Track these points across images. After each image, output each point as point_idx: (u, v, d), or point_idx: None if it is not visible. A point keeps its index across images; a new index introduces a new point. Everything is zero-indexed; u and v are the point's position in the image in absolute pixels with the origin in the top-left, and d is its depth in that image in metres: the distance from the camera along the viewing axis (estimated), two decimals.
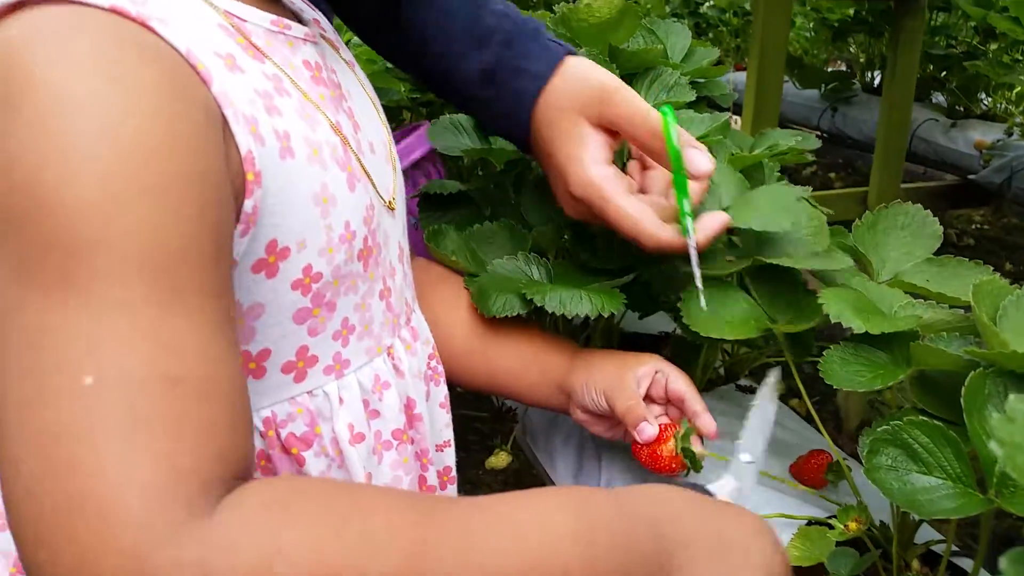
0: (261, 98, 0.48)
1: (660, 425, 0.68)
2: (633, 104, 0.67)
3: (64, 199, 0.37)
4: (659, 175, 0.73)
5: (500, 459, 1.23)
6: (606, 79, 0.70)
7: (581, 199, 0.69)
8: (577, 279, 0.76)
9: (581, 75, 0.71)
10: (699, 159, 0.66)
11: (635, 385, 0.70)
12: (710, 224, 0.67)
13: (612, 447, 0.79)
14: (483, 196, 0.91)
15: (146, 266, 0.38)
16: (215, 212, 0.41)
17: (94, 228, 0.37)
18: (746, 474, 0.62)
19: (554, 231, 0.81)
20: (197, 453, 0.36)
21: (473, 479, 1.41)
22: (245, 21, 0.50)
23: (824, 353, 0.64)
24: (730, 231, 0.74)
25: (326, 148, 0.52)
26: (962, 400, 0.54)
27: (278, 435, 0.54)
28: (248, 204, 0.45)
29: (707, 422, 0.69)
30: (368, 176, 0.57)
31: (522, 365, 0.75)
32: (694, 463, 0.68)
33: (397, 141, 1.01)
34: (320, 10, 0.67)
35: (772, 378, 0.65)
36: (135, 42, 0.41)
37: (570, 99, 0.69)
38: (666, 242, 0.66)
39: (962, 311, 0.66)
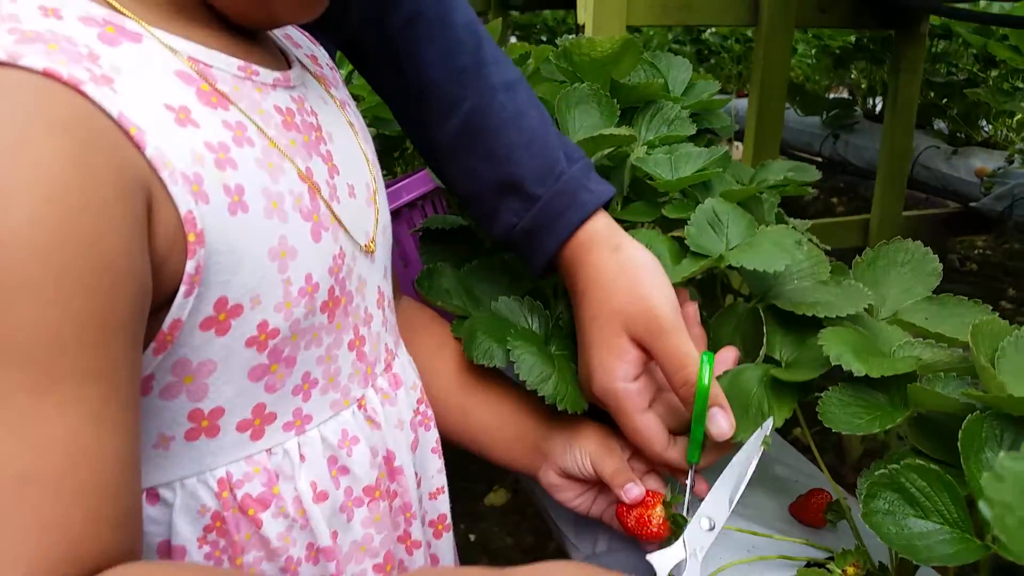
0: (213, 152, 0.47)
1: (646, 491, 0.68)
2: (677, 351, 0.66)
3: None
4: None
5: (499, 496, 1.23)
6: (662, 309, 0.67)
7: (601, 400, 0.69)
8: (570, 344, 0.74)
9: (632, 274, 0.69)
10: (721, 423, 0.65)
11: (620, 450, 0.70)
12: (715, 451, 0.68)
13: None
14: (483, 231, 0.91)
15: (22, 358, 0.37)
16: (108, 299, 0.40)
17: None
18: (701, 543, 0.61)
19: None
20: (40, 555, 0.36)
21: (472, 512, 1.40)
22: (211, 67, 0.50)
23: (822, 395, 0.64)
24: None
25: (288, 198, 0.51)
26: (959, 444, 0.54)
27: (234, 496, 0.51)
28: (190, 265, 0.45)
29: (701, 487, 0.68)
30: (340, 223, 0.56)
31: (500, 423, 0.74)
32: (681, 529, 0.66)
33: (395, 184, 1.01)
34: (321, 44, 0.67)
35: (760, 432, 0.65)
36: (50, 114, 0.40)
37: (620, 311, 0.68)
38: (670, 462, 0.69)
39: (961, 351, 0.66)
